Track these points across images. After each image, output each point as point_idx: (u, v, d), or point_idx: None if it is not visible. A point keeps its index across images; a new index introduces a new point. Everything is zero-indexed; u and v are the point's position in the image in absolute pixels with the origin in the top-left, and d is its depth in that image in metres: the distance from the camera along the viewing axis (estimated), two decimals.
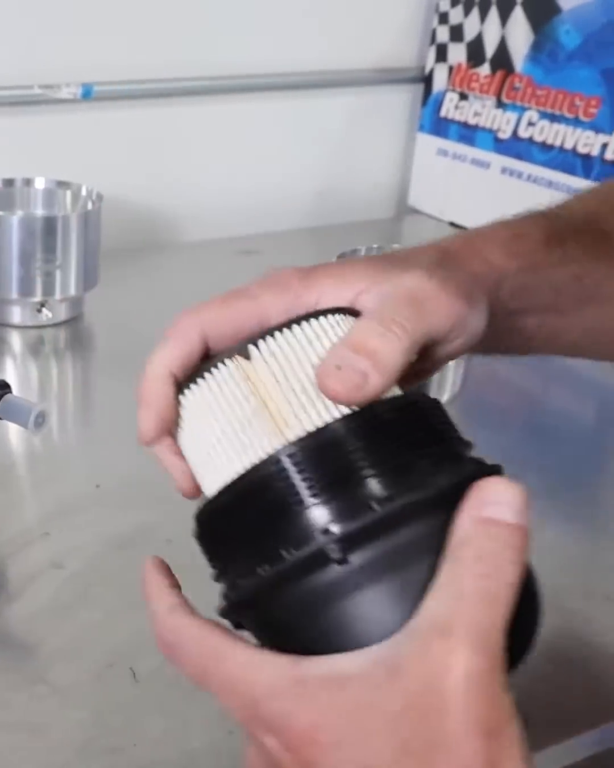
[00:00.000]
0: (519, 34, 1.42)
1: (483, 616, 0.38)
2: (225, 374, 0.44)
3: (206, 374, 0.45)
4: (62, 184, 1.18)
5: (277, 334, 0.44)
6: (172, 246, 1.45)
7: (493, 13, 1.45)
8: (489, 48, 1.47)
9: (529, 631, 0.42)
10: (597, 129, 1.34)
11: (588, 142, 1.35)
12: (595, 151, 1.34)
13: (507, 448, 0.95)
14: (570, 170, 1.37)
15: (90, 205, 1.15)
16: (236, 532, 0.42)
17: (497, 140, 1.46)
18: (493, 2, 1.45)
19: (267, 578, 0.40)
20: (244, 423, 0.42)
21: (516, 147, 1.44)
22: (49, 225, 1.07)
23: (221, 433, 0.43)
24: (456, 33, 1.51)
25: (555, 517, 0.79)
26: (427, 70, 1.56)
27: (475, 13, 1.48)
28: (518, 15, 1.42)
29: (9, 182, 1.17)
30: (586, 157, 1.35)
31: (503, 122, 1.46)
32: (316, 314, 0.45)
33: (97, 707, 0.61)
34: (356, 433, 0.40)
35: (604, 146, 1.33)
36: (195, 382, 0.45)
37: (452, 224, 1.53)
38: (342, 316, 0.45)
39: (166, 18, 1.37)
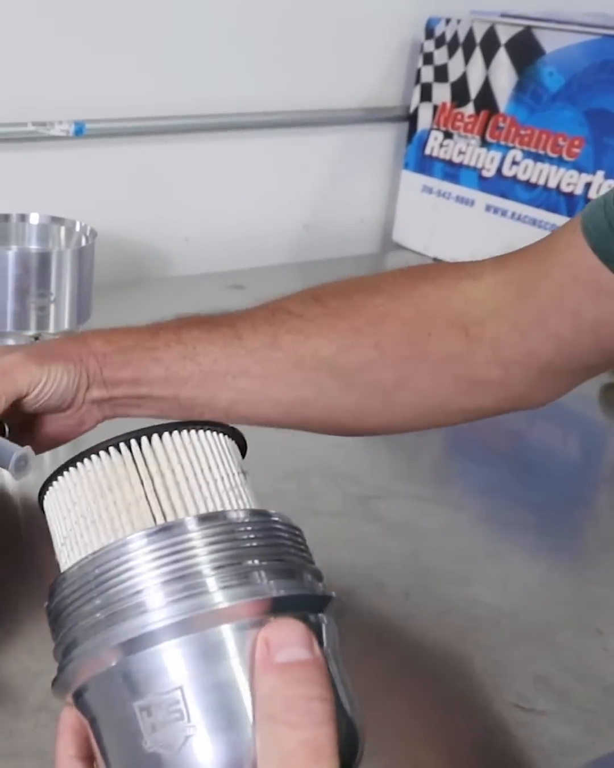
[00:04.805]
0: (503, 75, 1.45)
1: None
2: None
3: None
4: (56, 220, 1.19)
5: None
6: (162, 280, 1.47)
7: (477, 55, 1.48)
8: (474, 88, 1.49)
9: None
10: (580, 168, 1.37)
11: (571, 181, 1.38)
12: (578, 190, 1.37)
13: (497, 484, 0.97)
14: (554, 208, 1.40)
15: (83, 241, 1.17)
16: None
17: (481, 178, 1.49)
18: (477, 44, 1.47)
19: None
20: None
21: (500, 185, 1.46)
22: (44, 260, 1.08)
23: None
24: (441, 73, 1.54)
25: (545, 551, 0.81)
26: (412, 109, 1.59)
27: (459, 54, 1.50)
28: (502, 57, 1.45)
29: (4, 217, 1.18)
30: (570, 196, 1.38)
31: (487, 161, 1.48)
32: None
33: None
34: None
35: (587, 185, 1.36)
36: None
37: (436, 260, 1.55)
38: None
39: (157, 58, 1.39)
